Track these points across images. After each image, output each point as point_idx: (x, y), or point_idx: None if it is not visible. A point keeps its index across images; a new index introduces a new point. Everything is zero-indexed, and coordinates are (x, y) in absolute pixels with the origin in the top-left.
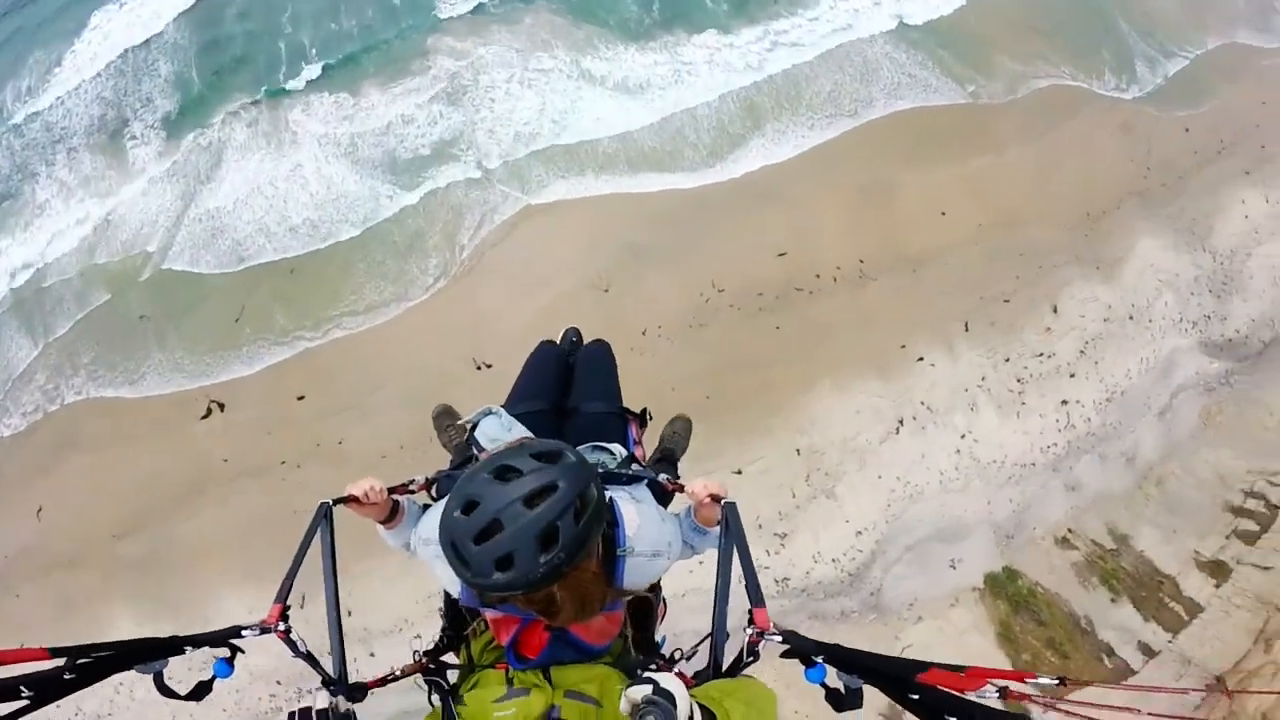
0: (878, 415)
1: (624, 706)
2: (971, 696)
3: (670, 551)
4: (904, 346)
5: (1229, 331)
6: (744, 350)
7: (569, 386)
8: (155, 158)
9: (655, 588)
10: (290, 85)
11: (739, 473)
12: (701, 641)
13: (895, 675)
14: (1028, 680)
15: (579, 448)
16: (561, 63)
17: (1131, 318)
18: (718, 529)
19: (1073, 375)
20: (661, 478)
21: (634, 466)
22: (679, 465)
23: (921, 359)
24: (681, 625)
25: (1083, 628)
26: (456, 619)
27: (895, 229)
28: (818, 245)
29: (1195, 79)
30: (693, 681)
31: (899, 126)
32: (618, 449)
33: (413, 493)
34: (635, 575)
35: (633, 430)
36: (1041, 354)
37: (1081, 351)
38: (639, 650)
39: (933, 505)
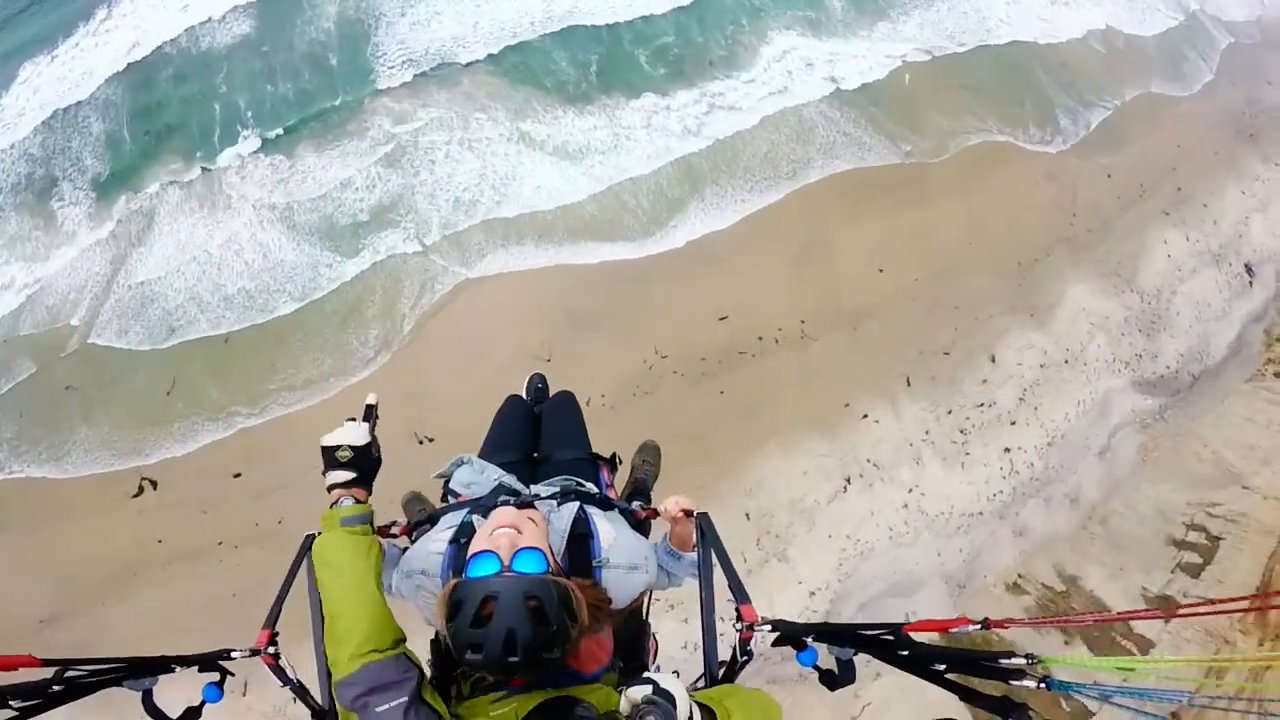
0: (825, 475)
1: (624, 706)
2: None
3: (647, 566)
4: (848, 405)
5: (1160, 368)
6: (689, 415)
7: (539, 437)
8: (85, 220)
9: (644, 623)
10: (225, 154)
11: None
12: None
13: (882, 634)
14: (1007, 624)
15: (552, 479)
16: (501, 126)
17: (1067, 362)
18: (693, 553)
19: (1013, 423)
20: (634, 504)
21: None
22: (652, 495)
23: (866, 416)
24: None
25: None
26: (445, 659)
27: (835, 287)
28: (759, 307)
29: (1114, 127)
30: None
31: (835, 185)
32: (591, 488)
33: (394, 536)
34: (614, 588)
35: (604, 475)
36: (982, 404)
37: (1021, 399)
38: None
39: (884, 561)
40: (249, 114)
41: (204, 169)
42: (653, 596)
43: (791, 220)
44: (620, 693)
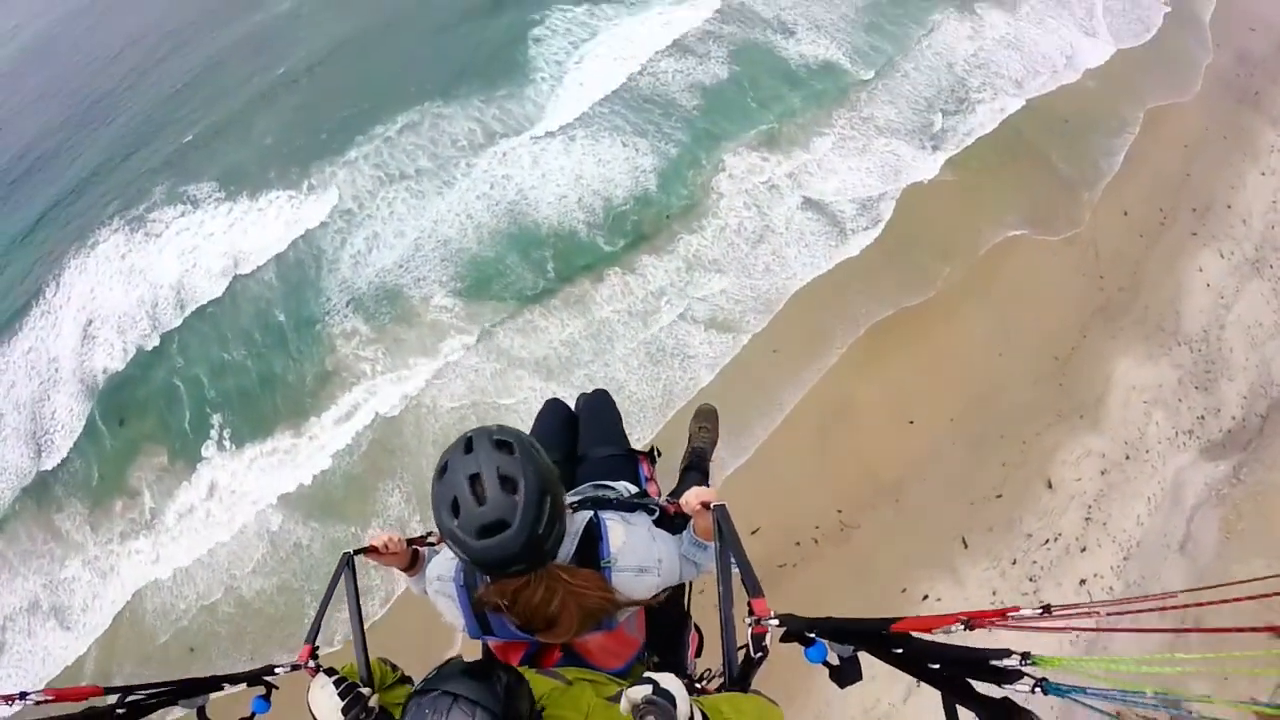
0: (893, 674)
1: (624, 706)
2: (939, 634)
3: (660, 568)
4: (905, 590)
5: (1225, 422)
6: None
7: (578, 437)
8: (87, 529)
9: (685, 615)
10: (204, 445)
11: None
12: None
13: (872, 631)
14: (1010, 615)
15: (581, 486)
16: (475, 350)
17: (1128, 457)
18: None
19: (1084, 549)
20: (663, 501)
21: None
22: (711, 463)
23: (926, 597)
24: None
25: None
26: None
27: (866, 459)
28: (790, 508)
29: (1120, 159)
30: (713, 691)
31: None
32: (623, 487)
33: (432, 544)
34: (623, 589)
35: (644, 468)
36: (1047, 540)
37: (1087, 519)
38: None
39: None
40: (212, 394)
41: (185, 461)
42: (693, 588)
43: (807, 396)
44: (624, 689)
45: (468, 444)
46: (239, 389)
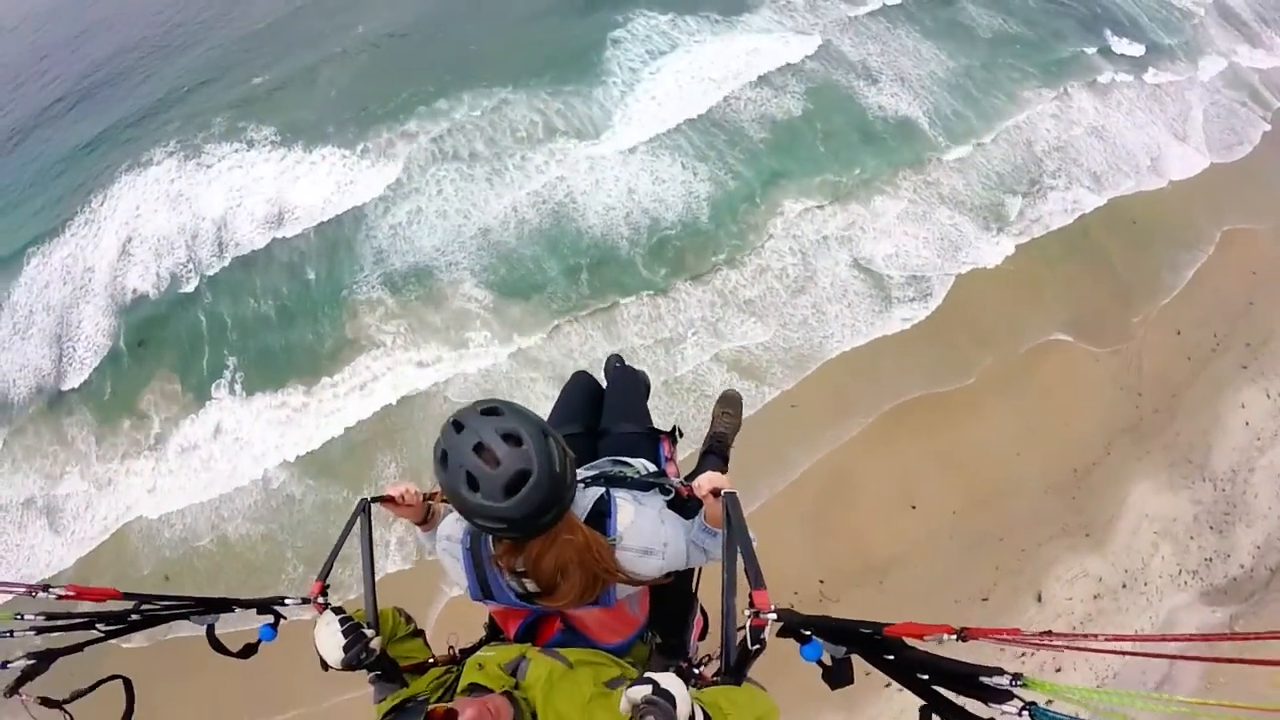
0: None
1: (624, 706)
2: (930, 642)
3: (665, 552)
4: (869, 673)
5: (1233, 569)
6: None
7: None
8: (93, 443)
9: (691, 597)
10: (214, 386)
11: None
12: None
13: (866, 635)
14: (1007, 632)
15: (598, 461)
16: (494, 348)
17: (1125, 585)
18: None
19: (1059, 669)
20: (676, 482)
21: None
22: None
23: (889, 684)
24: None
25: None
26: (494, 626)
27: (859, 535)
28: (773, 568)
29: (1187, 275)
30: (714, 682)
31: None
32: (640, 464)
33: (446, 501)
34: (627, 568)
35: (664, 448)
36: (1023, 654)
37: None
38: (665, 656)
39: None
40: (233, 336)
41: (196, 396)
42: (702, 571)
43: (816, 463)
44: (624, 689)
45: (456, 425)
46: (259, 338)
